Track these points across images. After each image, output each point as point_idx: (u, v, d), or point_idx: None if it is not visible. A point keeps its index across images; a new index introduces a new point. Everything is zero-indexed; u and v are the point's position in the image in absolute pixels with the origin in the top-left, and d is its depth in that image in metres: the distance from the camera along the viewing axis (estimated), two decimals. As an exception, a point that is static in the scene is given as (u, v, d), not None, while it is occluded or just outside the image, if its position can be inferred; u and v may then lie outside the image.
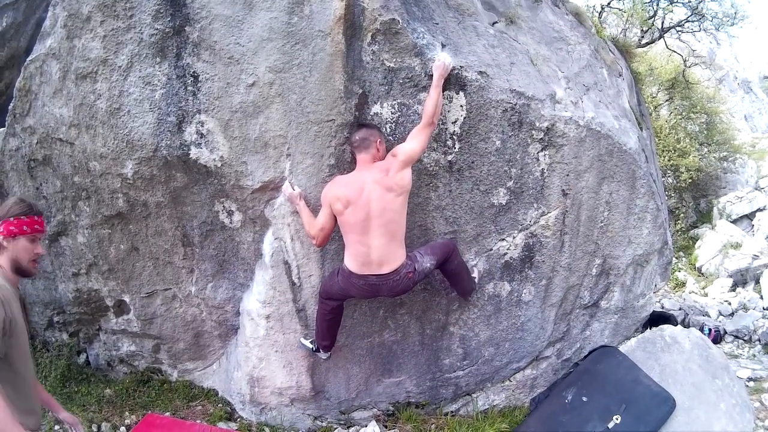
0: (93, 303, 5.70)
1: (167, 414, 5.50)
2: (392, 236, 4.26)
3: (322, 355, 5.02)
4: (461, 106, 4.60)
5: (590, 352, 5.83)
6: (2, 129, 5.08)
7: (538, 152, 4.96)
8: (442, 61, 4.33)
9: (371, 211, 4.13)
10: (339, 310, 4.68)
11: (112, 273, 5.43)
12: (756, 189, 19.04)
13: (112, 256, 5.29)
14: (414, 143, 4.24)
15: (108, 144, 4.65)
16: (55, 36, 4.56)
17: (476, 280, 5.10)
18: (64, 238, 5.35)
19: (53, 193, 5.11)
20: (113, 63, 4.45)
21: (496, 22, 5.27)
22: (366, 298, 4.71)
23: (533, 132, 4.88)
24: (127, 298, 5.56)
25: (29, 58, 4.75)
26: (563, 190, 5.14)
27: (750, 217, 17.99)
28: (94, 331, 6.06)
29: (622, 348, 5.85)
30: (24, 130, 4.91)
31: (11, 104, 4.90)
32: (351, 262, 4.33)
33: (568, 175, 5.10)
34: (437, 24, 4.65)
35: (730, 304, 13.65)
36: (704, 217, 19.12)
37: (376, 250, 4.22)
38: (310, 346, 4.97)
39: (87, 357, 6.33)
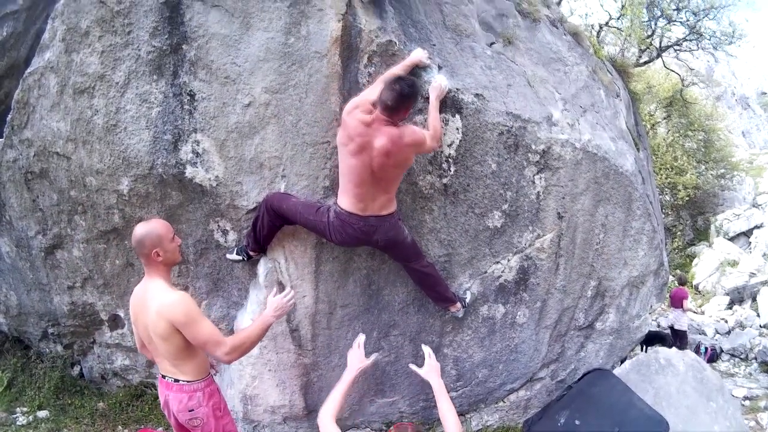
0: (87, 316, 5.70)
1: (160, 429, 5.49)
2: (390, 187, 4.22)
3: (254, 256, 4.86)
4: (457, 128, 4.61)
5: (584, 375, 5.81)
6: (0, 140, 5.07)
7: (533, 175, 4.97)
8: (438, 83, 4.34)
9: (374, 170, 4.02)
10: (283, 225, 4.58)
11: (107, 287, 5.42)
12: (753, 206, 19.11)
13: (108, 270, 5.28)
14: (429, 140, 4.19)
15: (104, 160, 4.64)
16: (53, 49, 4.55)
17: (467, 302, 5.08)
18: (59, 250, 5.35)
19: (49, 206, 5.10)
20: (111, 79, 4.44)
21: (493, 43, 5.28)
22: (352, 243, 4.53)
23: (529, 155, 4.89)
24: (121, 313, 5.56)
25: (28, 70, 4.73)
26: (559, 213, 5.14)
27: (747, 234, 18.05)
28: (88, 344, 6.05)
29: (617, 371, 5.83)
30: (21, 142, 4.90)
31: (9, 115, 4.89)
32: (352, 205, 4.18)
33: (563, 197, 5.11)
34: (434, 45, 4.66)
35: (726, 322, 13.69)
36: (701, 234, 19.18)
37: (378, 200, 4.17)
38: (239, 257, 4.79)
39: (81, 369, 6.33)
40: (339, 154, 4.15)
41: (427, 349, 3.94)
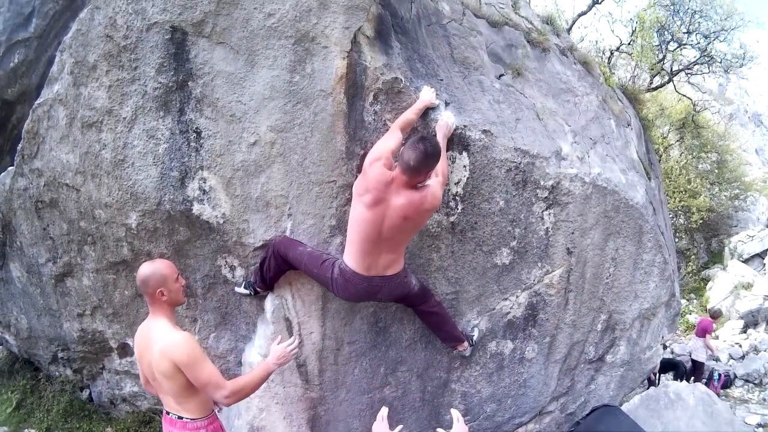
0: (97, 343, 5.72)
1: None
2: (398, 248, 4.17)
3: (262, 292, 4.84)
4: (464, 166, 4.56)
5: (591, 411, 5.75)
6: (12, 168, 5.11)
7: (542, 211, 4.92)
8: (445, 120, 4.28)
9: (384, 228, 3.95)
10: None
11: (116, 317, 5.43)
12: (767, 226, 18.95)
13: (117, 300, 5.29)
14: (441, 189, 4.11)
15: (113, 194, 4.65)
16: (62, 82, 4.57)
17: (474, 339, 5.04)
18: (69, 279, 5.37)
19: (59, 235, 5.12)
20: (118, 114, 4.44)
21: (502, 75, 5.25)
22: (355, 300, 4.56)
23: (538, 191, 4.85)
24: (130, 342, 5.56)
25: (37, 101, 4.76)
26: (568, 249, 5.10)
27: (762, 255, 17.89)
28: (97, 369, 6.08)
29: (625, 406, 5.78)
30: (32, 171, 4.93)
31: (20, 144, 4.92)
32: (356, 263, 4.12)
33: (573, 233, 5.06)
34: (441, 80, 4.62)
35: (741, 346, 13.55)
36: (716, 257, 19.03)
37: (384, 258, 4.11)
38: (246, 291, 4.79)
39: (90, 393, 6.36)
40: (353, 202, 4.10)
41: (455, 413, 3.89)
